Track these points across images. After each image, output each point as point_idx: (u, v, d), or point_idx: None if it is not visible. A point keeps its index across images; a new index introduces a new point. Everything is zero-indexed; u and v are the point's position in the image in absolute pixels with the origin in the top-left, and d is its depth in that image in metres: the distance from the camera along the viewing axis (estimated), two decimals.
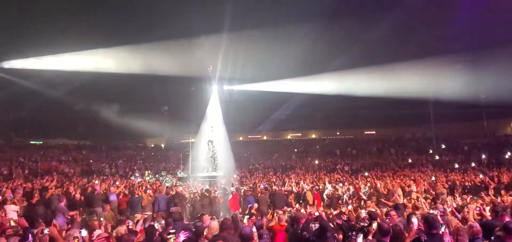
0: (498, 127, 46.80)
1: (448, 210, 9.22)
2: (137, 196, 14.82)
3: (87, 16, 27.07)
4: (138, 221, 10.72)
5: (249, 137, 53.64)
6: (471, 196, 13.50)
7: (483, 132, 43.01)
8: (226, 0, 22.49)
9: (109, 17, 27.04)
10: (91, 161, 34.39)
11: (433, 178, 22.04)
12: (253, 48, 25.64)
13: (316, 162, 35.97)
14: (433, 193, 17.36)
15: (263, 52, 26.28)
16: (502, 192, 17.06)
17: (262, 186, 19.15)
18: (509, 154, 33.79)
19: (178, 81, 28.73)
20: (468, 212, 8.43)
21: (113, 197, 14.84)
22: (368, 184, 18.72)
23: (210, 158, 20.95)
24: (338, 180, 22.93)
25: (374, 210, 10.29)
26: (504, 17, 24.41)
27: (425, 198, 14.46)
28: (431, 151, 38.14)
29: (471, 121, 42.71)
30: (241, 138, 52.69)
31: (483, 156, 33.80)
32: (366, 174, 26.99)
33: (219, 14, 22.99)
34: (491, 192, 15.63)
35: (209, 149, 21.17)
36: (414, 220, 7.27)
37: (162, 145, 48.66)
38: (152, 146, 48.22)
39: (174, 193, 15.15)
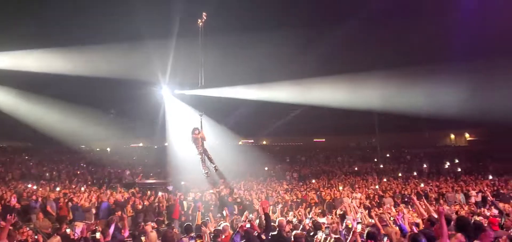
0: (438, 138, 49.58)
1: (391, 219, 9.43)
2: (78, 203, 14.15)
3: (31, 14, 25.65)
4: (78, 229, 10.15)
5: None
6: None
7: (424, 142, 45.31)
8: (176, 5, 22.11)
9: (54, 16, 25.76)
10: (31, 164, 32.63)
11: (377, 186, 22.76)
12: (207, 53, 25.37)
13: (266, 168, 36.05)
14: (377, 200, 17.89)
15: (216, 58, 26.04)
16: (441, 201, 17.86)
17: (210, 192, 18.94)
18: (448, 164, 35.67)
19: (125, 84, 27.83)
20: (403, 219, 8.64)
21: (52, 204, 14.08)
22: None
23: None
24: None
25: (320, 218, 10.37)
26: (444, 36, 25.77)
27: (367, 208, 14.83)
28: (376, 160, 39.38)
29: (413, 131, 44.80)
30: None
31: (425, 166, 35.43)
32: (313, 181, 27.37)
33: (170, 17, 22.58)
34: (432, 201, 16.32)
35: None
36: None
37: (108, 149, 46.93)
38: (97, 149, 46.40)
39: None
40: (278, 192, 21.51)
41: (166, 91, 25.14)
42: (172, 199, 16.84)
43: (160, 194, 17.86)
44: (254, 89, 28.67)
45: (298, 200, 18.97)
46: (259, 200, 17.09)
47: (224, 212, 13.00)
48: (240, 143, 54.63)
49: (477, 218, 9.47)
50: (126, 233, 8.84)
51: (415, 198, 11.12)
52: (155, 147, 44.63)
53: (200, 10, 15.81)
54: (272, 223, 7.95)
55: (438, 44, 26.72)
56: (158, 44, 23.99)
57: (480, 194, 18.89)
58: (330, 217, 12.93)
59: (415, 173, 31.69)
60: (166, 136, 25.97)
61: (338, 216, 11.34)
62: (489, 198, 14.20)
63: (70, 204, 14.29)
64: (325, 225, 9.46)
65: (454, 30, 24.85)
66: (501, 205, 11.86)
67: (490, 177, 26.25)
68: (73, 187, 21.19)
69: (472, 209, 13.40)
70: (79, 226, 11.16)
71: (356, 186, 23.27)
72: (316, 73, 27.64)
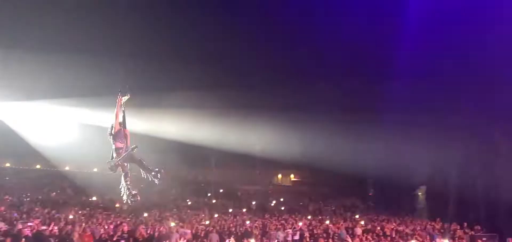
0: (267, 177, 52.84)
1: None
2: None
3: None
4: None
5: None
6: None
7: (255, 180, 47.73)
8: None
9: None
10: None
11: (208, 222, 22.83)
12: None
13: (94, 198, 33.37)
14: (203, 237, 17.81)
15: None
16: (264, 238, 18.66)
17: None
18: (274, 202, 38.22)
19: None
20: None
21: None
22: None
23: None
24: None
25: None
26: (270, 91, 27.73)
27: None
28: (209, 194, 39.90)
29: (247, 169, 46.85)
30: (8, 164, 44.84)
31: (254, 202, 37.24)
32: (145, 214, 26.17)
33: None
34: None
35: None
36: None
37: None
38: None
39: None
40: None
41: None
42: None
43: None
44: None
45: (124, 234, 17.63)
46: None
47: None
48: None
49: None
50: None
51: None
52: None
53: None
54: None
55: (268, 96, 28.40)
56: None
57: (298, 233, 20.31)
58: None
59: (244, 209, 32.94)
60: None
61: None
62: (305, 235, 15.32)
63: None
64: None
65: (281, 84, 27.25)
66: None
67: (309, 217, 28.73)
68: None
69: None
70: None
71: (187, 221, 22.98)
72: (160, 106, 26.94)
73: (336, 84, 25.85)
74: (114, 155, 9.75)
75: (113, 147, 9.89)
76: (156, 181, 9.77)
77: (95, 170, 42.94)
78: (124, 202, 10.04)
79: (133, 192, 9.70)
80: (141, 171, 9.93)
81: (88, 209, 27.73)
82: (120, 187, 9.87)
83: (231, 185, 45.40)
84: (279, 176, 54.41)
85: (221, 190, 42.92)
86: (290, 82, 27.80)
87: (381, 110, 26.19)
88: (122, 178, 9.82)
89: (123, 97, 10.16)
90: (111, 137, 9.98)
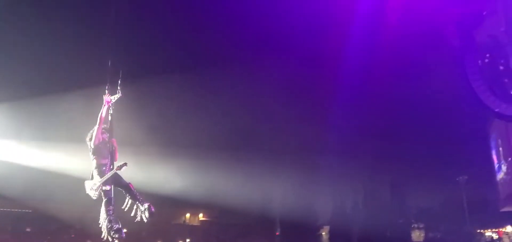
0: (175, 217, 51.26)
1: None
2: None
3: None
4: None
5: None
6: None
7: (163, 219, 46.00)
8: None
9: None
10: None
11: None
12: None
13: None
14: None
15: None
16: None
17: None
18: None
19: None
20: None
21: None
22: None
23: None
24: None
25: None
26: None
27: None
28: None
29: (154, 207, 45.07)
30: None
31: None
32: None
33: None
34: None
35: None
36: None
37: None
38: None
39: None
40: None
41: None
42: None
43: None
44: None
45: None
46: None
47: None
48: None
49: None
50: None
51: None
52: None
53: None
54: None
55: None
56: None
57: None
58: None
59: None
60: None
61: None
62: None
63: None
64: None
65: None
66: None
67: None
68: None
69: None
70: None
71: None
72: None
73: (245, 125, 26.28)
74: (94, 174, 7.57)
75: (94, 163, 7.64)
76: (145, 218, 7.72)
77: None
78: (103, 238, 7.57)
79: (116, 226, 7.52)
80: (127, 199, 7.79)
81: None
82: (99, 219, 7.62)
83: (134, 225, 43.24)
84: (187, 215, 53.12)
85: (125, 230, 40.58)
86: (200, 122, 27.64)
87: (288, 152, 27.02)
88: (103, 207, 7.59)
89: (112, 97, 7.85)
90: (91, 149, 7.67)
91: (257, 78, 23.48)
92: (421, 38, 18.32)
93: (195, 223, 51.78)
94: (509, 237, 30.99)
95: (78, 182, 8.13)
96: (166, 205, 45.11)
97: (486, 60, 17.05)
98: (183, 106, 27.28)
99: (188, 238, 39.31)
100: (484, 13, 15.91)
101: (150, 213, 7.70)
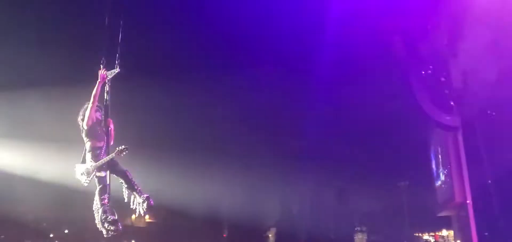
0: (119, 218, 49.90)
1: None
2: None
3: None
4: None
5: None
6: None
7: None
8: None
9: None
10: None
11: None
12: None
13: None
14: None
15: None
16: None
17: None
18: None
19: None
20: None
21: None
22: None
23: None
24: None
25: None
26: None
27: None
28: (51, 235, 36.17)
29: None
30: None
31: None
32: None
33: None
34: None
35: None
36: None
37: None
38: None
39: None
40: None
41: None
42: None
43: None
44: None
45: None
46: None
47: None
48: None
49: None
50: None
51: None
52: None
53: None
54: None
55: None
56: None
57: None
58: None
59: None
60: None
61: None
62: None
63: None
64: None
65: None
66: None
67: None
68: None
69: None
70: None
71: None
72: None
73: (193, 127, 25.87)
74: (88, 158, 7.03)
75: (88, 145, 7.08)
76: (142, 211, 7.34)
77: None
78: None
79: (111, 218, 7.06)
80: (124, 189, 7.42)
81: None
82: (93, 208, 7.16)
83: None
84: (133, 216, 51.69)
85: (66, 231, 38.87)
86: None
87: (234, 152, 26.93)
88: (97, 195, 7.18)
89: (109, 72, 7.22)
90: (84, 130, 7.11)
91: (211, 81, 23.16)
92: (367, 47, 18.83)
93: (141, 224, 50.43)
94: (444, 240, 32.52)
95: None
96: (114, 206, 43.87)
97: (429, 72, 17.83)
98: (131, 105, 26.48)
99: (133, 239, 38.17)
100: (428, 27, 16.58)
101: (149, 206, 7.38)
